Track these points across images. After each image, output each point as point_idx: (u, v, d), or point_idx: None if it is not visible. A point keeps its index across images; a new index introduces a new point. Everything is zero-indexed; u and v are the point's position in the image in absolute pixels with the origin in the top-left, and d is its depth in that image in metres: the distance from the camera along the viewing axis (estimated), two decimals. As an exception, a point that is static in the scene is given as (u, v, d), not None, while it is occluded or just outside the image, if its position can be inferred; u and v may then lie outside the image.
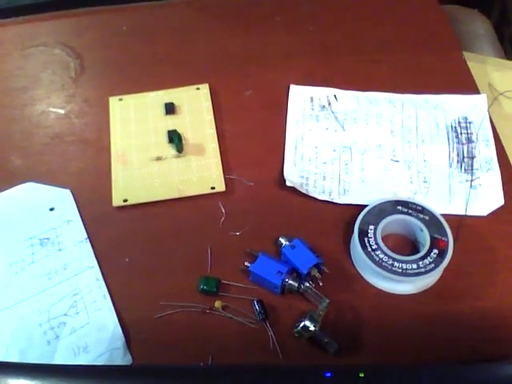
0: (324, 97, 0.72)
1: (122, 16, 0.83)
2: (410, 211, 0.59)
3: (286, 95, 0.72)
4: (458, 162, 0.66)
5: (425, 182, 0.64)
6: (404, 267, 0.56)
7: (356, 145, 0.67)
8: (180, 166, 0.66)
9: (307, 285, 0.56)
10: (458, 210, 0.62)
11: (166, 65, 0.76)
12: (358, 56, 0.76)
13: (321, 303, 0.54)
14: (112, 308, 0.56)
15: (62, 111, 0.72)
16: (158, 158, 0.67)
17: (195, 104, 0.72)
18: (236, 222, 0.61)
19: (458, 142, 0.67)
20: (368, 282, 0.58)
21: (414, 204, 0.60)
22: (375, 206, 0.60)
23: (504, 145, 0.67)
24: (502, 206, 0.62)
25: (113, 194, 0.64)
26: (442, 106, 0.71)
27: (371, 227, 0.58)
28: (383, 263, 0.56)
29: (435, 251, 0.56)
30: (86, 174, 0.66)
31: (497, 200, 0.62)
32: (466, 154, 0.66)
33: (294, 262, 0.56)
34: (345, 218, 0.62)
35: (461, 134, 0.68)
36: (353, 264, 0.59)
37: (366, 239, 0.58)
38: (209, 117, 0.70)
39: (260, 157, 0.67)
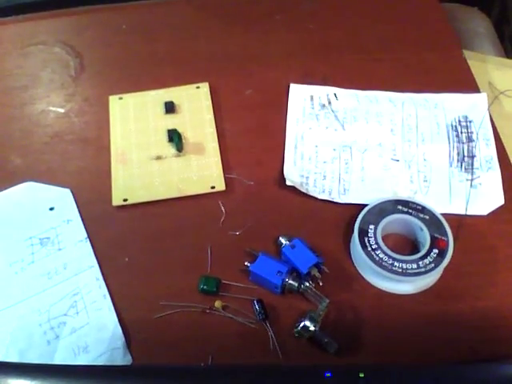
0: (324, 95, 0.72)
1: (121, 14, 0.82)
2: (410, 211, 0.59)
3: (286, 94, 0.72)
4: (458, 161, 0.66)
5: (425, 181, 0.64)
6: (404, 267, 0.56)
7: (356, 144, 0.67)
8: (180, 165, 0.66)
9: (307, 285, 0.56)
10: (458, 209, 0.62)
11: (165, 63, 0.76)
12: (358, 54, 0.76)
13: (321, 303, 0.54)
14: (112, 308, 0.56)
15: (61, 110, 0.72)
16: (158, 157, 0.67)
17: (195, 103, 0.71)
18: (236, 222, 0.61)
19: (459, 141, 0.67)
20: (368, 282, 0.58)
21: (414, 203, 0.60)
22: (375, 206, 0.60)
23: (504, 144, 0.67)
24: (502, 206, 0.62)
25: (113, 193, 0.64)
26: (442, 104, 0.70)
27: (371, 227, 0.58)
28: (383, 263, 0.56)
29: (435, 251, 0.56)
30: (85, 173, 0.66)
31: (497, 199, 0.62)
32: (466, 153, 0.66)
33: (294, 261, 0.56)
34: (345, 218, 0.62)
35: (461, 132, 0.68)
36: (353, 264, 0.59)
37: (366, 239, 0.58)
38: (209, 116, 0.70)
39: (260, 156, 0.67)
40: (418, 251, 0.57)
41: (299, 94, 0.72)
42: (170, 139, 0.67)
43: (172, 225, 0.62)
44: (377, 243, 0.57)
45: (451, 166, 0.65)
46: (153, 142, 0.68)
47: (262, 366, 0.51)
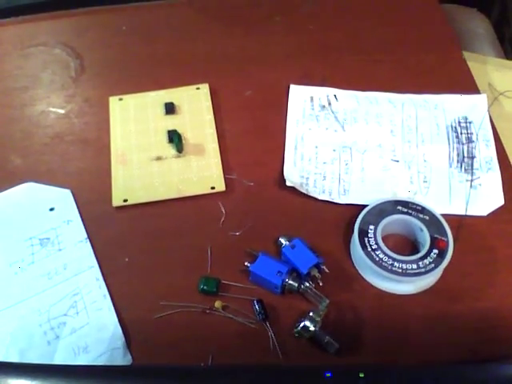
0: (324, 96, 0.72)
1: (121, 16, 0.83)
2: (410, 211, 0.59)
3: (285, 95, 0.72)
4: (458, 161, 0.66)
5: (425, 181, 0.64)
6: (404, 267, 0.56)
7: (356, 145, 0.67)
8: (180, 165, 0.66)
9: (307, 285, 0.56)
10: (458, 209, 0.62)
11: (165, 64, 0.76)
12: (358, 55, 0.76)
13: (321, 303, 0.54)
14: (112, 308, 0.56)
15: (61, 111, 0.72)
16: (158, 158, 0.67)
17: (195, 104, 0.72)
18: (236, 222, 0.61)
19: (458, 142, 0.67)
20: (368, 282, 0.58)
21: (414, 204, 0.60)
22: (375, 206, 0.60)
23: (504, 145, 0.67)
24: (502, 206, 0.62)
25: (113, 193, 0.64)
26: (442, 105, 0.71)
27: (371, 227, 0.58)
28: (383, 263, 0.56)
29: (435, 251, 0.56)
30: (85, 173, 0.66)
31: (497, 200, 0.63)
32: (466, 154, 0.66)
33: (294, 261, 0.56)
34: (345, 218, 0.62)
35: (461, 133, 0.68)
36: (353, 264, 0.59)
37: (366, 239, 0.58)
38: (209, 116, 0.70)
39: (260, 157, 0.67)
40: (417, 252, 0.57)
41: (299, 95, 0.72)
42: (170, 140, 0.68)
43: (172, 225, 0.62)
44: (377, 243, 0.57)
45: (451, 166, 0.65)
46: (153, 143, 0.68)
47: (262, 366, 0.51)
